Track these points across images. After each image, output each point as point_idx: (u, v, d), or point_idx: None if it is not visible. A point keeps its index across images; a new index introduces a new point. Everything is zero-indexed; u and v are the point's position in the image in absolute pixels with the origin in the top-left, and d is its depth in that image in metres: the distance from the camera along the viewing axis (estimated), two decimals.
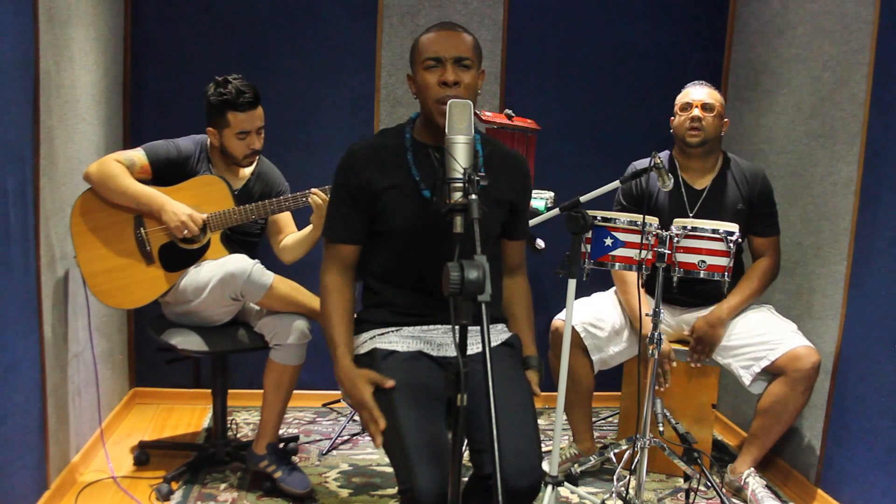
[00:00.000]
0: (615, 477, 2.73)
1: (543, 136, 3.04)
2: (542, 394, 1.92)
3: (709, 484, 2.47)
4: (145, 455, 2.83)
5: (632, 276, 2.73)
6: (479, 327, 1.41)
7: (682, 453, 2.55)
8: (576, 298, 2.28)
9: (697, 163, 2.78)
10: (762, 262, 2.77)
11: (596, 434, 3.02)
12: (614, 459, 2.84)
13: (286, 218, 2.78)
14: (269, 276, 2.47)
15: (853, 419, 2.51)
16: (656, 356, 2.34)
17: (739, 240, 2.33)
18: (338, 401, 3.42)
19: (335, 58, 3.37)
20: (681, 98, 2.79)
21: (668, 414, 2.51)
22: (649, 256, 2.28)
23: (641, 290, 2.39)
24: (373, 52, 3.38)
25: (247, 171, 2.74)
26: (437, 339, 1.91)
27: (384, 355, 1.86)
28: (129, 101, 3.27)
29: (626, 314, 2.80)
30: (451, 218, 1.54)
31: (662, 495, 2.67)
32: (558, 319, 2.79)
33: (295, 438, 3.04)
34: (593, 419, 2.93)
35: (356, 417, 3.19)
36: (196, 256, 2.56)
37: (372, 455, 2.98)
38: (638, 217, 2.28)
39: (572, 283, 2.16)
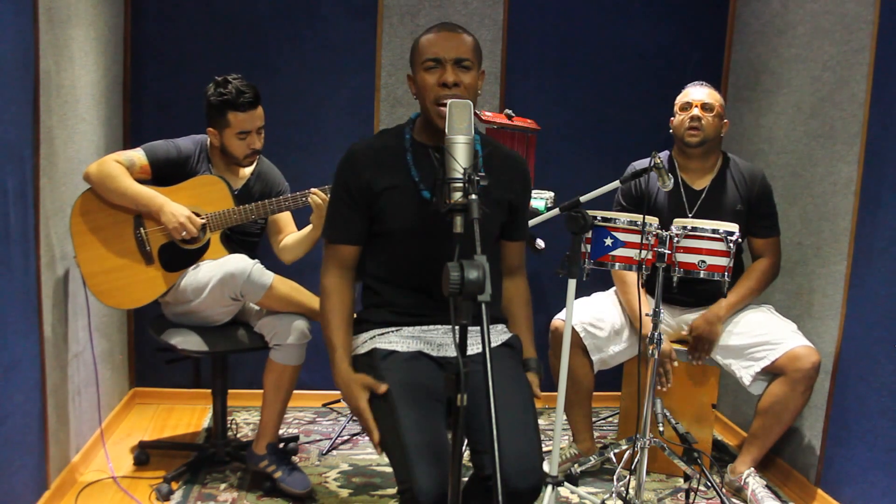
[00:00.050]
0: (615, 477, 2.73)
1: (543, 136, 3.04)
2: (542, 394, 1.92)
3: (709, 484, 2.47)
4: (145, 455, 2.83)
5: (632, 277, 2.73)
6: (478, 327, 1.41)
7: (682, 453, 2.55)
8: (576, 298, 2.28)
9: (697, 163, 2.78)
10: (762, 262, 2.77)
11: (596, 434, 3.02)
12: (614, 459, 2.84)
13: (286, 218, 2.79)
14: (268, 276, 2.47)
15: (853, 419, 2.51)
16: (656, 356, 2.33)
17: (739, 240, 2.33)
18: (338, 401, 3.42)
19: (335, 58, 3.37)
20: (681, 98, 2.79)
21: (668, 414, 2.51)
22: (649, 256, 2.28)
23: (642, 290, 2.39)
24: (373, 52, 3.38)
25: (247, 171, 2.74)
26: (437, 340, 1.91)
27: (384, 355, 1.86)
28: (129, 101, 3.27)
29: (626, 314, 2.80)
30: (451, 218, 1.55)
31: (662, 495, 2.67)
32: (558, 319, 2.79)
33: (295, 438, 3.04)
34: (593, 419, 2.93)
35: (356, 418, 3.18)
36: (196, 256, 2.56)
37: (372, 455, 2.98)
38: (638, 217, 2.28)
39: (572, 283, 2.16)
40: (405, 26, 3.38)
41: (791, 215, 2.95)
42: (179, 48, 3.28)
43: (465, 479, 1.77)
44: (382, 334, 1.91)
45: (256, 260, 2.51)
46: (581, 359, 2.73)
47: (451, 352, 1.88)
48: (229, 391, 2.79)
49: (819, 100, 2.83)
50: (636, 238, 2.28)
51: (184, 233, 2.49)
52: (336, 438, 3.09)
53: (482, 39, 3.39)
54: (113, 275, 2.53)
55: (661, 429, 2.38)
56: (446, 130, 1.61)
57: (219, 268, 2.46)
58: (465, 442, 1.93)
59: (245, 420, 3.29)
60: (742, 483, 2.67)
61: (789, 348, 2.56)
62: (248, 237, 2.73)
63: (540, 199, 2.75)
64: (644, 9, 3.50)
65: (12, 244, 2.16)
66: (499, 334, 1.97)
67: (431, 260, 1.71)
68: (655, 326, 2.31)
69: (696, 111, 2.70)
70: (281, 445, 2.77)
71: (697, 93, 2.75)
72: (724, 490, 2.65)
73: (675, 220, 2.38)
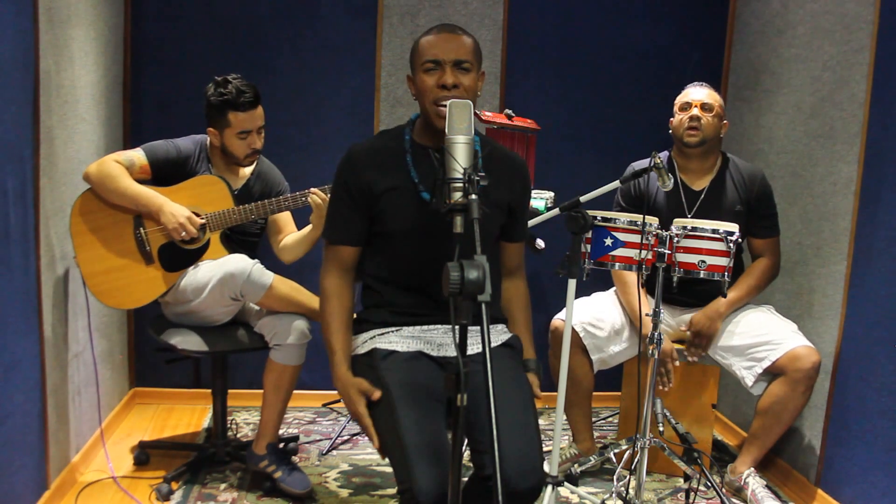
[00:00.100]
0: (615, 477, 2.73)
1: (543, 136, 3.04)
2: (542, 394, 1.93)
3: (709, 484, 2.47)
4: (145, 455, 2.83)
5: (631, 277, 2.73)
6: (478, 327, 1.41)
7: (682, 453, 2.55)
8: (576, 298, 2.28)
9: (696, 164, 2.78)
10: (762, 261, 2.77)
11: (596, 434, 3.02)
12: (614, 459, 2.84)
13: (286, 218, 2.78)
14: (268, 276, 2.47)
15: (853, 419, 2.51)
16: (656, 356, 2.33)
17: (739, 240, 2.33)
18: (338, 401, 3.42)
19: (335, 58, 3.37)
20: (680, 98, 2.79)
21: (668, 414, 2.51)
22: (649, 256, 2.28)
23: (642, 290, 2.39)
24: (373, 52, 3.38)
25: (246, 171, 2.74)
26: (437, 339, 1.91)
27: (384, 355, 1.86)
28: (129, 101, 3.27)
29: (626, 314, 2.80)
30: (450, 218, 1.54)
31: (662, 495, 2.67)
32: (558, 319, 2.79)
33: (295, 438, 3.04)
34: (593, 419, 2.93)
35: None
36: (196, 256, 2.56)
37: (372, 455, 2.98)
38: (638, 217, 2.28)
39: (572, 283, 2.16)
40: (405, 26, 3.38)
41: (791, 215, 2.95)
42: (179, 48, 3.28)
43: (465, 479, 1.77)
44: (382, 334, 1.91)
45: (256, 260, 2.51)
46: (581, 359, 2.73)
47: (451, 351, 1.89)
48: (229, 391, 2.79)
49: (819, 100, 2.83)
50: (636, 238, 2.28)
51: (183, 233, 2.49)
52: (336, 438, 3.09)
53: (482, 39, 3.40)
54: (113, 275, 2.53)
55: (661, 429, 2.38)
56: (446, 130, 1.61)
57: (219, 268, 2.46)
58: (466, 442, 1.93)
59: (245, 420, 3.29)
60: (742, 483, 2.67)
61: (790, 348, 2.56)
62: (248, 237, 2.73)
63: (540, 199, 2.75)
64: (644, 9, 3.50)
65: (12, 244, 2.16)
66: (499, 334, 1.97)
67: (431, 261, 1.71)
68: (655, 326, 2.31)
69: (695, 111, 2.71)
70: (281, 445, 2.77)
71: (697, 93, 2.75)
72: (724, 490, 2.65)
73: (675, 220, 2.37)
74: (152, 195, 2.50)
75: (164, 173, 2.58)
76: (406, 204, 1.87)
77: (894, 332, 2.34)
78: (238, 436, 3.03)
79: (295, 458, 2.89)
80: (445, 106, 1.66)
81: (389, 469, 2.76)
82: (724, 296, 2.34)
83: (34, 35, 2.26)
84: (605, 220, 2.30)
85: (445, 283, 1.38)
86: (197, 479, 2.67)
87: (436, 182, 1.64)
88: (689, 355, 2.71)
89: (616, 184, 2.54)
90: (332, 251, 1.95)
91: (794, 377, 2.53)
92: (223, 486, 2.65)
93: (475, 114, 1.94)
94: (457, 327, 1.44)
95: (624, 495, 2.43)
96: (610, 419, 3.47)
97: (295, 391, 2.64)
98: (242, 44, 3.31)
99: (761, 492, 2.61)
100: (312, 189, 2.54)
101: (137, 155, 2.55)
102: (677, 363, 2.71)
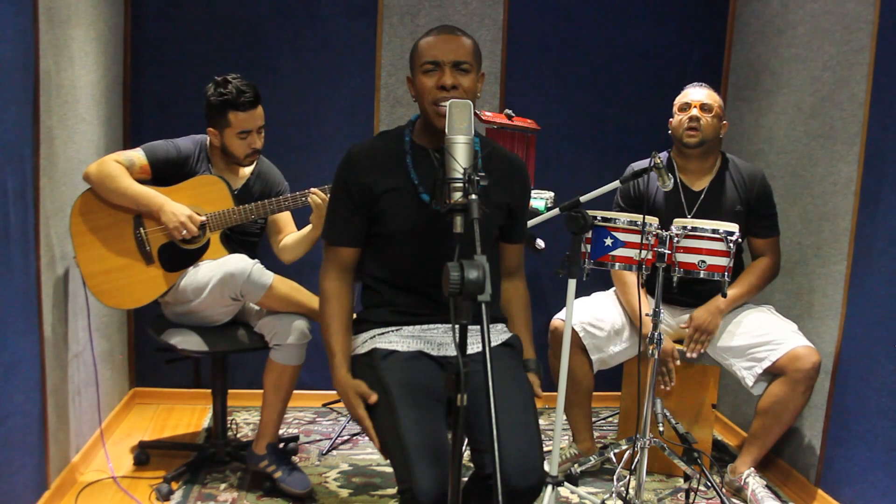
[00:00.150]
0: (615, 477, 2.73)
1: (543, 136, 3.04)
2: (542, 394, 1.93)
3: (709, 484, 2.47)
4: (145, 455, 2.83)
5: (631, 277, 2.73)
6: (478, 327, 1.41)
7: (682, 453, 2.55)
8: (576, 298, 2.28)
9: (695, 164, 2.78)
10: (762, 260, 2.78)
11: (596, 434, 3.02)
12: (614, 459, 2.84)
13: (286, 218, 2.79)
14: (268, 276, 2.47)
15: (853, 419, 2.51)
16: (656, 356, 2.33)
17: (739, 240, 2.33)
18: (338, 401, 3.42)
19: (335, 58, 3.37)
20: (680, 99, 2.79)
21: (668, 414, 2.51)
22: (649, 256, 2.28)
23: (642, 290, 2.39)
24: (373, 52, 3.38)
25: (246, 171, 2.74)
26: (437, 339, 1.91)
27: (384, 355, 1.86)
28: (129, 101, 3.27)
29: (626, 314, 2.80)
30: (450, 218, 1.54)
31: (662, 495, 2.67)
32: (557, 319, 2.79)
33: (295, 438, 3.04)
34: (593, 419, 2.93)
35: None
36: (196, 256, 2.56)
37: (372, 455, 2.98)
38: (638, 217, 2.28)
39: (572, 283, 2.16)
40: (405, 26, 3.38)
41: (791, 215, 2.95)
42: (179, 48, 3.28)
43: (465, 479, 1.77)
44: (382, 334, 1.91)
45: (256, 260, 2.51)
46: (581, 359, 2.73)
47: (452, 351, 1.89)
48: (229, 391, 2.79)
49: (819, 100, 2.83)
50: (636, 238, 2.28)
51: (184, 232, 2.49)
52: (336, 438, 3.09)
53: (482, 40, 3.40)
54: (113, 275, 2.53)
55: (661, 429, 2.38)
56: (446, 130, 1.62)
57: (219, 268, 2.46)
58: (466, 441, 1.93)
59: (245, 420, 3.29)
60: (742, 483, 2.67)
61: (790, 348, 2.56)
62: (248, 237, 2.73)
63: (540, 199, 2.75)
64: (644, 9, 3.50)
65: (12, 244, 2.16)
66: (498, 334, 1.97)
67: (431, 262, 1.71)
68: (655, 326, 2.31)
69: (694, 111, 2.70)
70: (281, 445, 2.77)
71: (696, 93, 2.75)
72: (724, 490, 2.65)
73: (675, 220, 2.37)
74: (153, 195, 2.50)
75: (164, 173, 2.58)
76: (406, 205, 1.87)
77: (894, 332, 2.34)
78: (238, 436, 3.03)
79: (295, 458, 2.89)
80: (444, 106, 1.66)
81: (389, 469, 2.77)
82: (724, 295, 2.34)
83: (34, 35, 2.26)
84: (605, 220, 2.30)
85: (445, 283, 1.38)
86: (197, 479, 2.67)
87: (436, 182, 1.64)
88: (690, 351, 2.69)
89: (616, 184, 2.54)
90: (331, 252, 1.95)
91: (795, 377, 2.53)
92: (223, 486, 2.65)
93: (475, 114, 1.94)
94: (457, 327, 1.44)
95: (624, 495, 2.43)
96: (610, 419, 3.47)
97: (295, 391, 2.64)
98: (242, 44, 3.31)
99: (761, 492, 2.61)
100: (312, 189, 2.54)
101: (137, 155, 2.55)
102: (678, 362, 2.71)
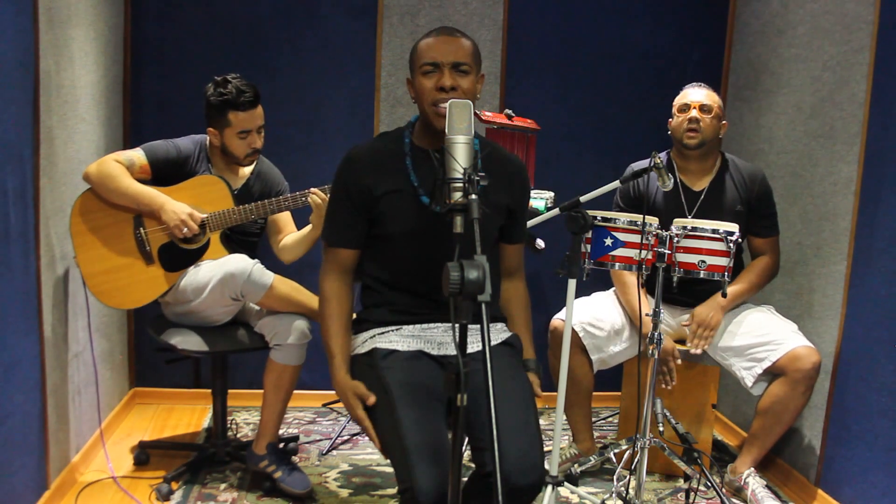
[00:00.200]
0: (615, 477, 2.73)
1: (543, 136, 3.04)
2: (542, 394, 1.93)
3: (709, 484, 2.47)
4: (145, 455, 2.83)
5: (631, 277, 2.73)
6: (478, 326, 1.41)
7: (682, 453, 2.55)
8: (575, 298, 2.28)
9: (695, 164, 2.78)
10: (762, 259, 2.78)
11: (596, 434, 3.02)
12: (614, 459, 2.84)
13: (285, 217, 2.79)
14: (269, 276, 2.47)
15: (853, 419, 2.51)
16: (656, 356, 2.33)
17: (739, 240, 2.33)
18: (338, 401, 3.41)
19: (335, 58, 3.37)
20: (679, 99, 2.78)
21: (668, 414, 2.51)
22: (649, 256, 2.28)
23: (642, 290, 2.39)
24: (373, 52, 3.38)
25: (246, 171, 2.74)
26: (437, 338, 1.91)
27: (384, 354, 1.86)
28: (129, 101, 3.27)
29: (626, 314, 2.80)
30: (450, 218, 1.54)
31: (662, 495, 2.67)
32: (557, 319, 2.79)
33: (295, 438, 3.04)
34: (593, 419, 2.93)
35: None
36: (196, 256, 2.56)
37: (372, 455, 2.98)
38: (638, 217, 2.28)
39: (572, 283, 2.16)
40: (405, 26, 3.38)
41: (791, 215, 2.95)
42: (179, 48, 3.28)
43: (465, 479, 1.77)
44: (382, 333, 1.91)
45: (256, 260, 2.51)
46: (580, 359, 2.73)
47: (452, 350, 1.89)
48: (229, 391, 2.79)
49: (819, 100, 2.83)
50: (636, 238, 2.28)
51: (185, 230, 2.49)
52: (336, 438, 3.09)
53: (482, 40, 3.40)
54: (113, 275, 2.53)
55: (661, 429, 2.38)
56: (446, 130, 1.62)
57: (219, 268, 2.46)
58: (466, 441, 1.93)
59: (245, 420, 3.29)
60: (742, 483, 2.67)
61: (790, 349, 2.56)
62: (248, 237, 2.73)
63: (540, 199, 2.75)
64: (644, 9, 3.50)
65: (12, 244, 2.16)
66: (498, 333, 1.98)
67: (430, 263, 1.71)
68: (655, 326, 2.31)
69: (694, 113, 2.70)
70: (281, 445, 2.77)
71: (695, 94, 2.74)
72: (724, 490, 2.65)
73: (675, 220, 2.38)
74: (153, 194, 2.50)
75: (164, 173, 2.58)
76: (405, 207, 1.87)
77: (894, 332, 2.34)
78: (238, 436, 3.03)
79: (295, 458, 2.89)
80: (444, 107, 1.66)
81: (389, 469, 2.77)
82: (725, 295, 2.34)
83: (34, 35, 2.26)
84: (605, 220, 2.30)
85: (445, 283, 1.38)
86: (197, 479, 2.67)
87: (436, 182, 1.64)
88: (694, 347, 2.67)
89: (616, 184, 2.54)
90: (331, 253, 1.95)
91: (795, 377, 2.53)
92: (223, 486, 2.65)
93: (475, 114, 1.94)
94: (457, 327, 1.44)
95: (624, 495, 2.43)
96: (610, 419, 3.47)
97: (295, 391, 2.64)
98: (242, 44, 3.31)
99: (761, 492, 2.61)
100: (312, 189, 2.54)
101: (137, 155, 2.55)
102: (679, 362, 2.71)
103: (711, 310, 2.67)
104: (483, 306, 1.40)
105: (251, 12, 3.30)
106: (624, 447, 2.65)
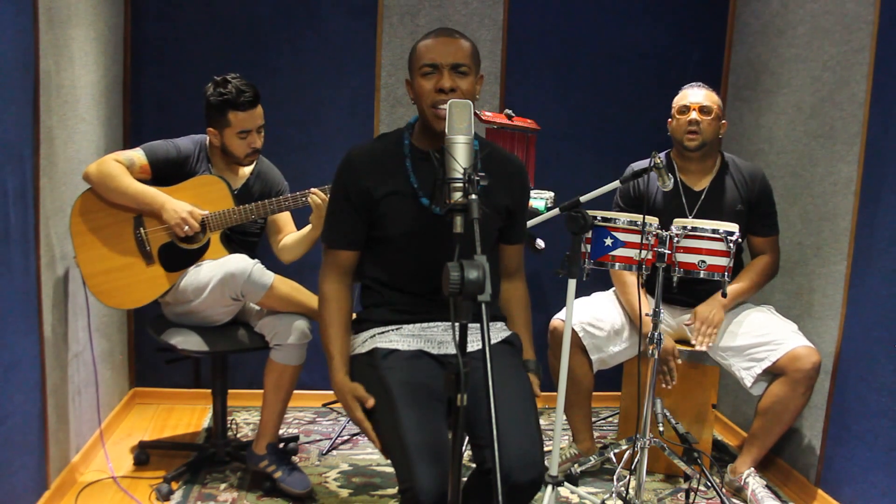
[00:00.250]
0: (615, 477, 2.73)
1: (543, 136, 3.04)
2: (542, 394, 1.93)
3: (709, 484, 2.47)
4: (145, 455, 2.83)
5: (631, 277, 2.73)
6: (478, 325, 1.41)
7: (682, 453, 2.55)
8: (575, 298, 2.28)
9: (696, 164, 2.78)
10: (762, 258, 2.78)
11: (596, 434, 3.02)
12: (614, 459, 2.84)
13: (285, 218, 2.79)
14: (269, 276, 2.47)
15: (853, 419, 2.51)
16: (656, 356, 2.33)
17: (739, 240, 2.33)
18: (338, 401, 3.41)
19: (335, 58, 3.37)
20: (678, 100, 2.78)
21: (668, 414, 2.51)
22: (649, 256, 2.28)
23: (642, 290, 2.39)
24: (373, 52, 3.38)
25: (246, 171, 2.74)
26: (437, 337, 1.91)
27: (385, 354, 1.86)
28: (129, 101, 3.27)
29: (626, 314, 2.80)
30: (450, 218, 1.54)
31: (662, 495, 2.67)
32: (557, 319, 2.79)
33: (295, 438, 3.04)
34: (593, 419, 2.93)
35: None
36: (196, 256, 2.56)
37: (372, 455, 2.98)
38: (638, 217, 2.28)
39: (572, 283, 2.16)
40: (405, 26, 3.38)
41: (791, 215, 2.95)
42: (179, 48, 3.28)
43: (465, 479, 1.77)
44: (382, 333, 1.91)
45: (257, 260, 2.51)
46: (580, 359, 2.73)
47: (452, 349, 1.89)
48: (229, 391, 2.79)
49: (819, 100, 2.83)
50: (636, 238, 2.28)
51: (186, 228, 2.49)
52: (336, 438, 3.09)
53: (482, 40, 3.40)
54: (113, 275, 2.53)
55: (661, 429, 2.38)
56: (446, 130, 1.62)
57: (219, 268, 2.46)
58: (466, 441, 1.93)
59: (245, 420, 3.29)
60: (742, 483, 2.67)
61: (790, 349, 2.56)
62: (248, 237, 2.73)
63: (540, 199, 2.75)
64: (644, 9, 3.50)
65: (12, 244, 2.16)
66: (498, 332, 1.98)
67: (430, 265, 1.71)
68: (655, 326, 2.31)
69: (693, 115, 2.70)
70: (281, 445, 2.77)
71: (695, 96, 2.74)
72: (724, 490, 2.65)
73: (675, 220, 2.38)
74: (154, 193, 2.50)
75: (164, 173, 2.58)
76: (405, 209, 1.87)
77: (894, 332, 2.34)
78: (238, 436, 3.03)
79: (295, 458, 2.89)
80: (443, 109, 1.66)
81: (389, 469, 2.77)
82: (725, 295, 2.34)
83: (34, 35, 2.26)
84: (605, 220, 2.30)
85: (445, 283, 1.38)
86: (197, 479, 2.67)
87: (436, 182, 1.64)
88: (699, 344, 2.65)
89: (616, 184, 2.54)
90: (330, 255, 1.95)
91: (795, 377, 2.53)
92: (223, 486, 2.65)
93: (475, 114, 1.94)
94: (457, 328, 1.44)
95: (624, 495, 2.43)
96: (610, 419, 3.47)
97: (295, 391, 2.64)
98: (242, 44, 3.31)
99: (761, 492, 2.61)
100: (313, 189, 2.54)
101: (137, 155, 2.55)
102: (679, 361, 2.71)
103: (713, 308, 2.67)
104: (483, 306, 1.40)
105: (251, 12, 3.30)
106: (624, 447, 2.65)
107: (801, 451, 2.81)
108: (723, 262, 2.29)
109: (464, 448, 1.50)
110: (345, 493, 2.67)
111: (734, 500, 2.67)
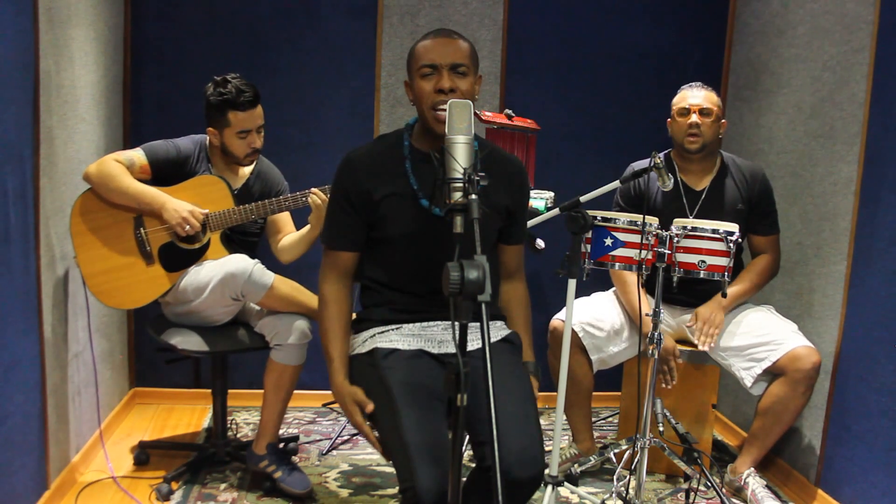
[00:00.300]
0: (615, 477, 2.73)
1: (543, 136, 3.04)
2: (542, 394, 1.93)
3: (709, 484, 2.47)
4: (145, 455, 2.83)
5: (631, 276, 2.73)
6: (478, 325, 1.41)
7: (682, 453, 2.55)
8: (575, 298, 2.28)
9: (696, 164, 2.78)
10: (763, 258, 2.78)
11: (596, 434, 3.02)
12: (614, 459, 2.84)
13: (284, 218, 2.78)
14: (269, 276, 2.47)
15: (853, 419, 2.51)
16: (656, 356, 2.33)
17: (739, 240, 2.33)
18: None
19: (335, 58, 3.37)
20: (678, 102, 2.77)
21: (668, 414, 2.51)
22: (649, 256, 2.28)
23: (642, 290, 2.39)
24: (373, 52, 3.38)
25: (246, 171, 2.74)
26: (437, 336, 1.91)
27: (385, 354, 1.86)
28: (129, 101, 3.27)
29: (626, 314, 2.80)
30: (450, 218, 1.54)
31: (662, 495, 2.67)
32: (557, 319, 2.79)
33: (295, 438, 3.04)
34: (593, 419, 2.93)
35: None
36: (196, 256, 2.56)
37: (372, 455, 2.98)
38: (638, 217, 2.28)
39: (572, 283, 2.16)
40: (405, 26, 3.38)
41: (791, 215, 2.95)
42: (179, 48, 3.28)
43: (465, 479, 1.77)
44: (383, 332, 1.91)
45: (257, 260, 2.51)
46: (580, 359, 2.73)
47: (452, 348, 1.89)
48: (229, 391, 2.79)
49: (819, 100, 2.83)
50: (636, 238, 2.28)
51: (187, 227, 2.49)
52: (336, 438, 3.09)
53: (482, 39, 3.40)
54: (113, 275, 2.53)
55: (661, 429, 2.38)
56: (446, 130, 1.62)
57: (220, 268, 2.46)
58: (466, 440, 1.93)
59: (245, 420, 3.29)
60: (742, 483, 2.67)
61: (790, 349, 2.56)
62: (248, 237, 2.73)
63: (540, 199, 2.75)
64: (644, 9, 3.50)
65: (12, 244, 2.16)
66: (497, 330, 1.98)
67: (430, 266, 1.71)
68: (655, 326, 2.31)
69: (694, 118, 2.70)
70: (281, 445, 2.77)
71: (695, 98, 2.72)
72: (724, 490, 2.65)
73: (675, 220, 2.38)
74: (154, 193, 2.50)
75: (164, 173, 2.58)
76: (405, 210, 1.87)
77: (894, 332, 2.34)
78: (238, 436, 3.03)
79: (295, 458, 2.89)
80: (444, 111, 1.66)
81: (389, 469, 2.77)
82: (724, 295, 2.34)
83: (34, 35, 2.26)
84: (605, 220, 2.30)
85: (445, 283, 1.38)
86: (197, 479, 2.67)
87: (435, 182, 1.64)
88: (701, 344, 2.65)
89: (616, 184, 2.54)
90: (330, 256, 1.95)
91: (795, 377, 2.53)
92: (223, 486, 2.65)
93: (475, 114, 1.94)
94: (457, 327, 1.44)
95: (624, 495, 2.43)
96: (610, 419, 3.47)
97: (295, 391, 2.64)
98: (242, 44, 3.31)
99: (761, 492, 2.61)
100: (313, 189, 2.54)
101: (137, 155, 2.55)
102: (680, 360, 2.71)
103: (713, 309, 2.68)
104: (483, 306, 1.40)
105: (251, 12, 3.30)
106: (624, 447, 2.65)
107: (801, 451, 2.81)
108: (723, 262, 2.29)
109: (464, 448, 1.50)
110: (345, 493, 2.67)
111: (734, 500, 2.67)
